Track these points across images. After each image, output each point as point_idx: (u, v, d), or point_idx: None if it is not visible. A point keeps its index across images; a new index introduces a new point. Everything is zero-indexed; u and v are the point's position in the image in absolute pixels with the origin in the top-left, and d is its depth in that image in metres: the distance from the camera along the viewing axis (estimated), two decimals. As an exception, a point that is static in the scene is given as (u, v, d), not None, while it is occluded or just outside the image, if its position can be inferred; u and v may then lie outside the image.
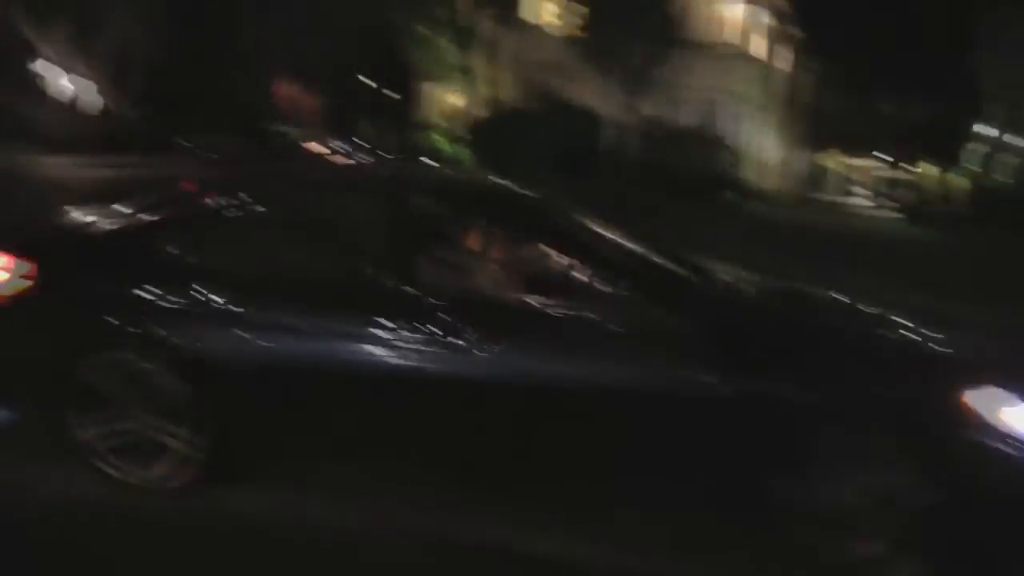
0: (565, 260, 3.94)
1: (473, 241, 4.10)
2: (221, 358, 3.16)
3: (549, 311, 3.18)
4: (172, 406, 3.19)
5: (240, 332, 3.17)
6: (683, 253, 3.85)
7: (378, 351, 3.06)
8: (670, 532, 3.17)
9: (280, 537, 3.00)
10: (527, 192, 3.96)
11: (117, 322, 3.27)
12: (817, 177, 41.76)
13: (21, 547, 2.82)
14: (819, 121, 33.33)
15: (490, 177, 4.25)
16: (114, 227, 3.61)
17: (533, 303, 3.29)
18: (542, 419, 3.09)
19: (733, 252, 6.71)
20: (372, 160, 21.54)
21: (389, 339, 3.05)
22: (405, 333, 3.03)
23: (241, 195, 3.54)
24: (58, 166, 18.05)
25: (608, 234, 3.73)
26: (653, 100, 22.77)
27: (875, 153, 43.33)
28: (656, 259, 3.72)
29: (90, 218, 3.83)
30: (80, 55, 26.58)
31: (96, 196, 4.57)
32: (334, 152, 27.71)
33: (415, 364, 3.04)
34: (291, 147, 25.05)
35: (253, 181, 3.90)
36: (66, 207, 3.91)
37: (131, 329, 3.26)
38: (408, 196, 3.46)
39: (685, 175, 20.43)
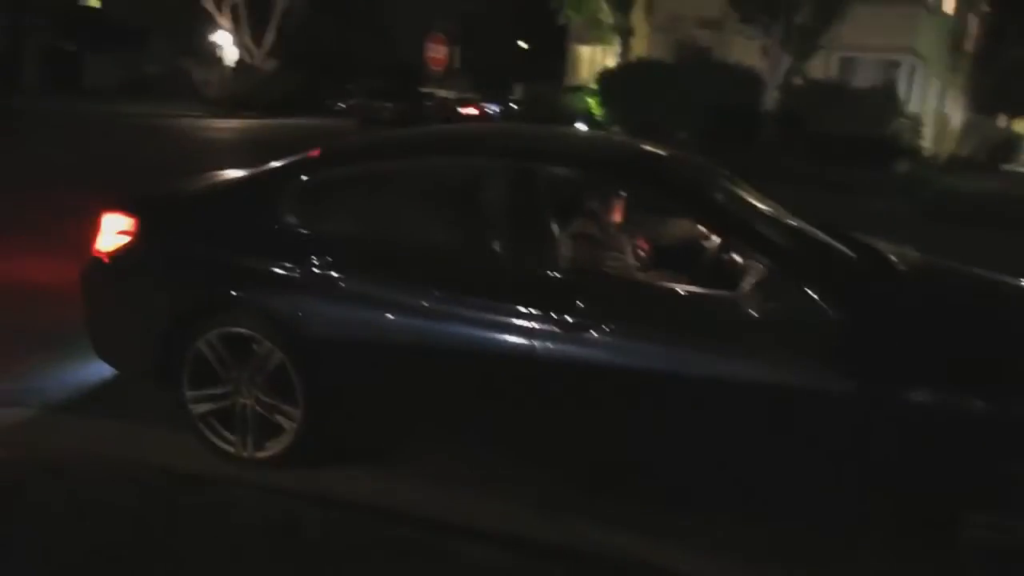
0: (713, 237, 3.52)
1: (613, 215, 3.73)
2: (319, 330, 2.98)
3: (681, 292, 2.78)
4: (271, 378, 3.04)
5: (343, 304, 2.98)
6: (851, 232, 3.31)
7: (490, 332, 2.80)
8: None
9: (362, 524, 2.80)
10: (680, 161, 3.53)
11: (216, 288, 3.17)
12: (1010, 144, 37.88)
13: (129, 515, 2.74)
14: (1012, 83, 29.94)
15: (642, 145, 3.73)
16: (214, 188, 3.50)
17: (666, 284, 2.92)
18: (656, 413, 2.74)
19: (905, 229, 6.16)
20: (511, 123, 21.23)
21: (504, 320, 2.77)
22: (525, 315, 2.74)
23: (360, 161, 3.38)
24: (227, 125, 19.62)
25: (766, 207, 3.25)
26: (823, 60, 21.12)
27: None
28: (819, 237, 3.19)
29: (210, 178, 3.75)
30: (249, 24, 27.91)
31: (249, 152, 4.51)
32: (487, 114, 27.90)
33: (531, 348, 2.74)
34: (444, 109, 25.38)
35: (375, 145, 3.71)
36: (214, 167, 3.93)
37: (229, 295, 3.14)
38: (540, 163, 3.06)
39: (856, 142, 18.80)
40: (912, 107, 22.21)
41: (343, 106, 27.66)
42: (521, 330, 2.73)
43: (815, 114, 19.71)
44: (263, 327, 3.05)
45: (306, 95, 27.52)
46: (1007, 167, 35.99)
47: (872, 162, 18.47)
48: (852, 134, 19.17)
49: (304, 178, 3.23)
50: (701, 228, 3.71)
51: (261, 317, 3.06)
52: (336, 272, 2.99)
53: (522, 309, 2.73)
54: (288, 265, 3.05)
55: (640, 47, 24.90)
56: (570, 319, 2.68)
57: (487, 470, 3.22)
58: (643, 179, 3.21)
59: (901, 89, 21.74)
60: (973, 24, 29.63)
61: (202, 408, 3.17)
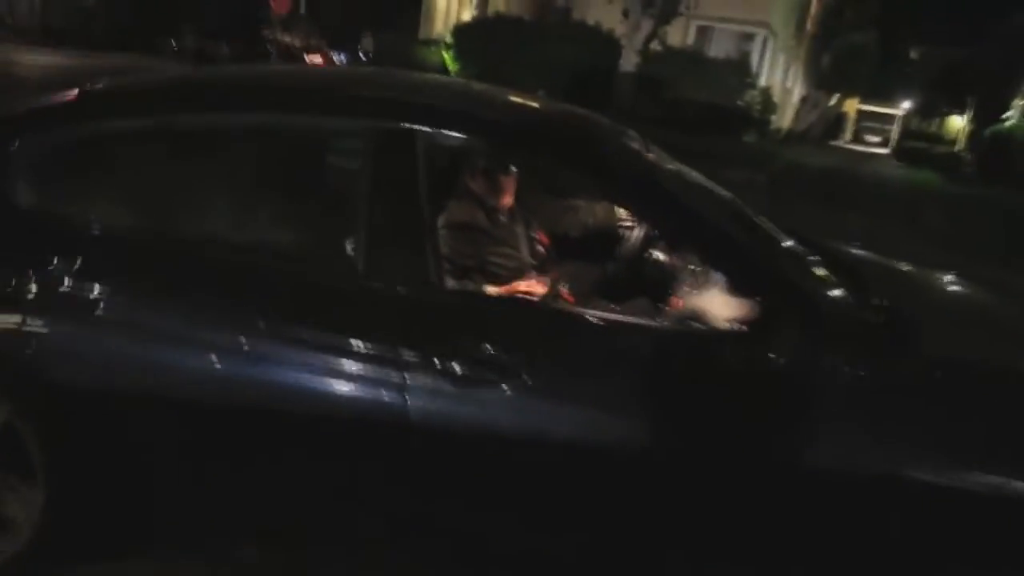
0: (659, 241, 2.71)
1: (502, 198, 2.83)
2: (70, 374, 1.90)
3: (619, 324, 1.94)
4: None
5: (107, 336, 1.90)
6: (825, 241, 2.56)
7: (340, 386, 1.82)
8: None
9: None
10: (616, 132, 2.50)
11: None
12: (839, 122, 40.24)
13: None
14: (848, 64, 31.48)
15: (557, 103, 2.64)
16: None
17: (595, 310, 2.07)
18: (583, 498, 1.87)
19: (760, 199, 5.71)
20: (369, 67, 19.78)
21: (363, 369, 1.80)
22: (394, 361, 1.79)
23: (143, 113, 2.17)
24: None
25: (749, 212, 2.42)
26: (681, 28, 21.02)
27: (904, 103, 41.63)
28: (806, 256, 2.40)
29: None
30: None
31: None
32: (333, 64, 26.00)
33: (402, 412, 1.78)
34: (287, 55, 23.34)
35: (170, 89, 2.40)
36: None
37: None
38: (423, 126, 1.97)
39: (710, 111, 18.85)
40: (763, 80, 22.65)
41: (175, 46, 25.02)
42: (388, 385, 1.78)
43: (672, 81, 19.65)
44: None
45: (139, 31, 24.68)
46: (835, 143, 38.33)
47: (723, 131, 18.62)
48: (706, 103, 19.27)
49: (48, 135, 2.10)
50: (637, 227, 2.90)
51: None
52: (95, 286, 1.91)
53: (390, 351, 1.79)
54: (16, 272, 1.94)
55: (498, 2, 23.99)
56: (463, 368, 1.77)
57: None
58: (584, 160, 2.13)
59: (754, 61, 22.11)
60: (815, 3, 30.77)
61: None
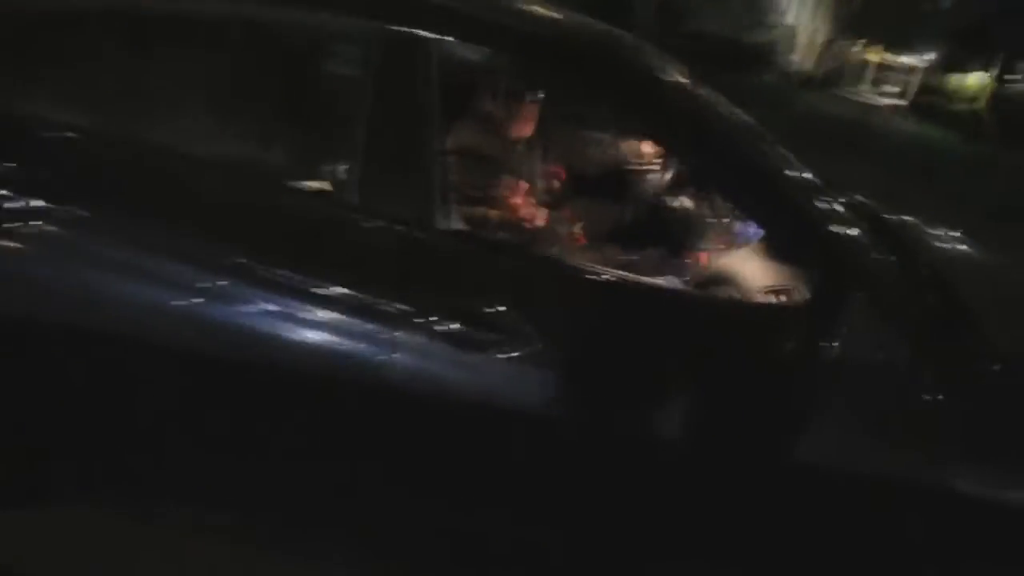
0: (687, 187, 2.45)
1: (519, 126, 2.53)
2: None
3: (653, 289, 1.69)
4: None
5: (38, 255, 1.61)
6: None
7: (319, 339, 1.56)
8: None
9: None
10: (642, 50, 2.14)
11: None
12: (858, 71, 39.48)
13: None
14: (876, 11, 30.48)
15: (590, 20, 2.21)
16: None
17: (607, 255, 1.82)
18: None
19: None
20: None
21: (347, 322, 1.54)
22: (385, 315, 1.53)
23: None
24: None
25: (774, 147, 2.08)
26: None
27: (928, 55, 40.52)
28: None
29: None
30: None
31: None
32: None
33: (388, 375, 1.53)
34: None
35: None
36: None
37: None
38: (437, 32, 1.66)
39: (731, 46, 18.18)
40: (789, 19, 21.87)
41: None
42: (373, 340, 1.53)
43: (694, 11, 18.92)
44: None
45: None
46: (854, 90, 37.36)
47: (743, 69, 18.05)
48: (728, 37, 18.62)
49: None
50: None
51: None
52: (25, 197, 1.61)
53: (380, 302, 1.53)
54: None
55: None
56: (469, 327, 1.51)
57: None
58: (622, 85, 1.79)
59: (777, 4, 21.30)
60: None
61: None
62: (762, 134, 2.07)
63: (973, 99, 34.58)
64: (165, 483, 1.72)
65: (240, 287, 1.51)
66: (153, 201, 1.57)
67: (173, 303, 1.52)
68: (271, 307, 1.51)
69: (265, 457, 1.62)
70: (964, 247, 2.66)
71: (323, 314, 1.50)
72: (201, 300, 1.52)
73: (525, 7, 2.01)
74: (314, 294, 1.50)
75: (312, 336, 1.51)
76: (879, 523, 1.48)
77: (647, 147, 2.84)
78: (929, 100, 33.78)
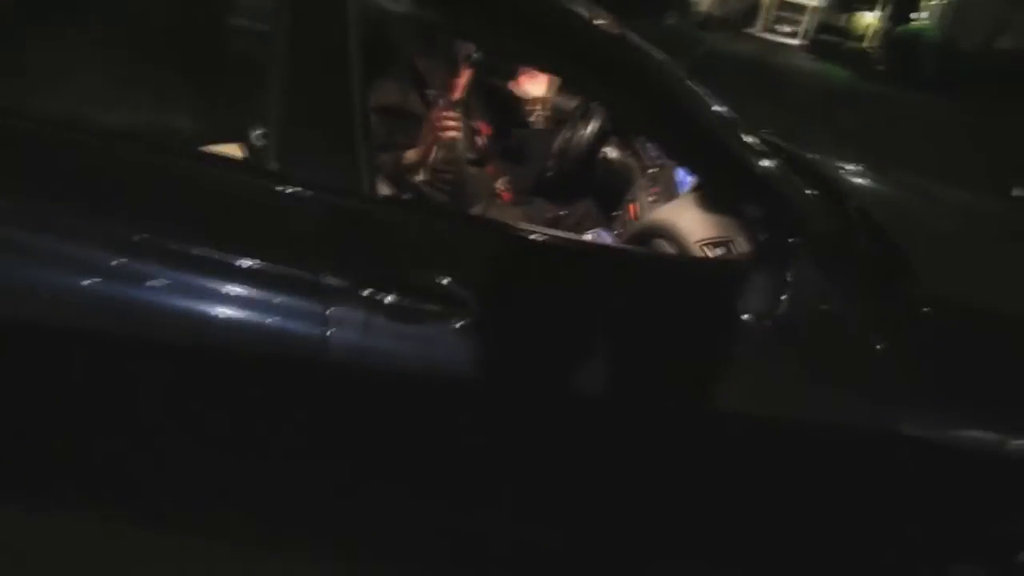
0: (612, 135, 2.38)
1: (451, 87, 2.41)
2: None
3: (602, 250, 1.65)
4: None
5: None
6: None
7: (241, 316, 1.42)
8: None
9: None
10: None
11: None
12: (755, 11, 40.14)
13: None
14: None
15: None
16: None
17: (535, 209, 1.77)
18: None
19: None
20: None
21: (269, 296, 1.41)
22: (314, 286, 1.41)
23: None
24: None
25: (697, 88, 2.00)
26: None
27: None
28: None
29: None
30: None
31: None
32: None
33: (321, 353, 1.42)
34: None
35: None
36: None
37: None
38: None
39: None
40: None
41: None
42: (304, 317, 1.43)
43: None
44: None
45: None
46: (749, 30, 38.08)
47: (644, 11, 18.04)
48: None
49: None
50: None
51: None
52: None
53: (308, 275, 1.43)
54: None
55: None
56: (407, 298, 1.43)
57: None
58: (540, 31, 1.65)
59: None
60: None
61: None
62: (683, 75, 1.99)
63: (867, 38, 35.87)
64: (86, 478, 1.59)
65: (151, 265, 1.38)
66: (48, 178, 1.40)
67: (79, 285, 1.38)
68: (190, 285, 1.39)
69: (195, 450, 1.51)
70: (868, 182, 2.70)
71: (247, 291, 1.39)
72: (111, 281, 1.39)
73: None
74: (236, 270, 1.39)
75: (237, 315, 1.39)
76: (834, 476, 1.50)
77: (571, 98, 2.78)
78: (823, 39, 34.74)
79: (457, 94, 2.39)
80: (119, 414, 1.49)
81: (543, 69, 2.61)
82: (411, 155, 2.26)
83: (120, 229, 1.39)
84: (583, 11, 1.79)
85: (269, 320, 1.40)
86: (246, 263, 1.39)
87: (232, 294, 1.39)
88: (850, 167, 2.73)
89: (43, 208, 1.40)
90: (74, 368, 1.45)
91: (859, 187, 2.57)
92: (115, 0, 1.58)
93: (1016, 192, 6.49)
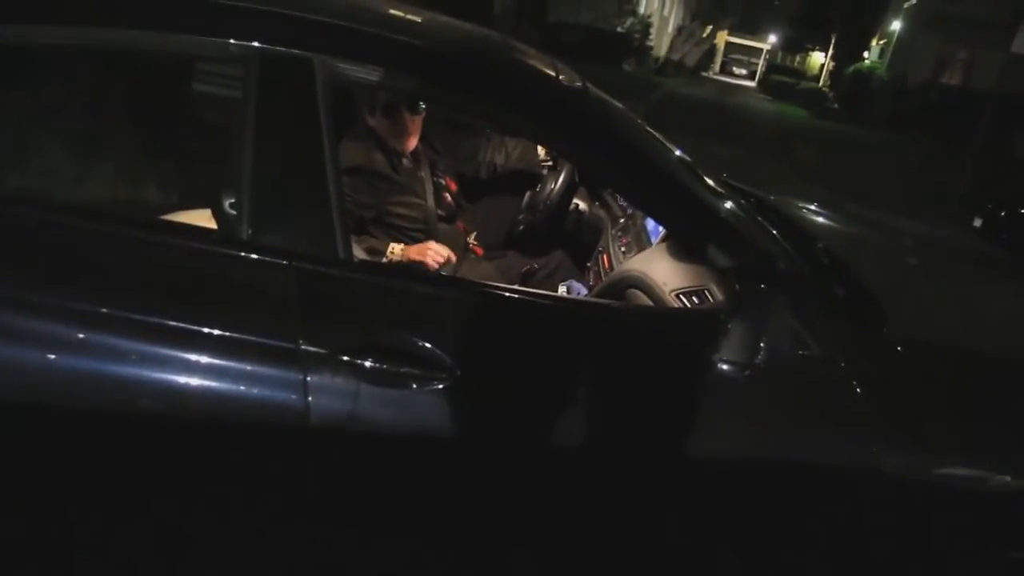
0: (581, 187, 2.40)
1: (405, 138, 2.42)
2: None
3: (577, 307, 1.65)
4: None
5: None
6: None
7: (219, 388, 1.37)
8: None
9: None
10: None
11: None
12: (711, 53, 41.22)
13: None
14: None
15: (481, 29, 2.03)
16: None
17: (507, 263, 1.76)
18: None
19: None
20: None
21: (244, 367, 1.37)
22: (291, 354, 1.38)
23: None
24: None
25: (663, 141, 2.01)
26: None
27: (771, 37, 43.11)
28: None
29: None
30: None
31: None
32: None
33: (302, 422, 1.39)
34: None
35: None
36: None
37: None
38: (328, 55, 1.49)
39: (591, 36, 18.54)
40: (642, 8, 22.55)
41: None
42: (285, 387, 1.40)
43: (554, 3, 19.20)
44: None
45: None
46: (705, 74, 39.17)
47: (603, 58, 18.45)
48: (588, 27, 18.96)
49: None
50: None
51: None
52: None
53: (284, 343, 1.40)
54: None
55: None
56: (386, 362, 1.40)
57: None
58: (507, 92, 1.65)
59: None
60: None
61: None
62: (645, 127, 2.01)
63: (815, 78, 36.94)
64: (60, 555, 1.53)
65: (121, 339, 1.34)
66: (11, 254, 1.37)
67: (46, 360, 1.34)
68: (164, 358, 1.35)
69: (177, 523, 1.46)
70: (829, 221, 2.74)
71: (224, 362, 1.36)
72: (82, 355, 1.35)
73: (391, 12, 1.86)
74: (212, 340, 1.36)
75: (215, 387, 1.36)
76: (819, 519, 1.50)
77: (538, 151, 2.80)
78: (776, 79, 35.85)
79: (411, 146, 2.41)
80: (95, 490, 1.44)
81: (516, 133, 2.64)
82: (396, 253, 2.24)
83: (91, 303, 1.36)
84: (550, 71, 1.82)
85: (248, 390, 1.37)
86: (222, 333, 1.37)
87: (209, 365, 1.36)
88: (811, 206, 2.77)
89: (16, 285, 1.36)
90: (48, 443, 1.40)
91: (821, 226, 2.60)
92: (77, 73, 1.56)
93: (976, 222, 6.68)
